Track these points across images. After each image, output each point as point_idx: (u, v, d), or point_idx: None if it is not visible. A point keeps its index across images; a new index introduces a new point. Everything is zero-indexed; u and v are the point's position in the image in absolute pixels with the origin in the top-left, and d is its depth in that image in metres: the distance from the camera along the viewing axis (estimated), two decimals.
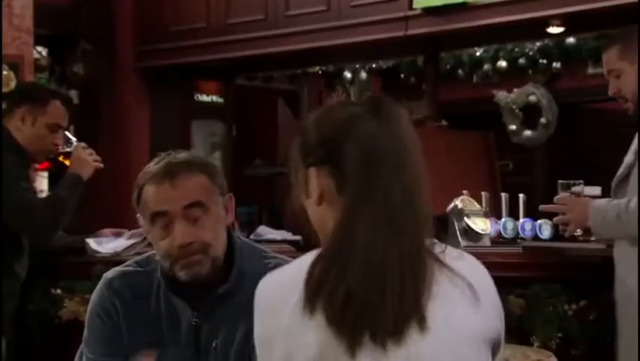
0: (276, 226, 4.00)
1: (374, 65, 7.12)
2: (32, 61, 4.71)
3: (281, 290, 1.31)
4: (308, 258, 1.32)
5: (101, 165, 3.31)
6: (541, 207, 2.88)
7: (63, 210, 3.15)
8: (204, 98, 6.37)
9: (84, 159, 3.25)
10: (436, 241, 1.34)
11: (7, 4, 4.58)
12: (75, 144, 3.31)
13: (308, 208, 1.40)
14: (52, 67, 5.50)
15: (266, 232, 3.78)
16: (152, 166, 1.81)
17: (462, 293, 1.29)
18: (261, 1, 5.30)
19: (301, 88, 7.50)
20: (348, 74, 7.10)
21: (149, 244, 3.57)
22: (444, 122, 5.55)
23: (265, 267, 1.69)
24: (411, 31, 4.71)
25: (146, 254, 1.90)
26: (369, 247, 1.27)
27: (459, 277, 1.30)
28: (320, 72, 7.15)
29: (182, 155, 1.84)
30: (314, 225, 1.40)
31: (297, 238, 4.04)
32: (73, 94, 5.31)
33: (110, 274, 1.88)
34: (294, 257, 1.94)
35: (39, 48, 5.20)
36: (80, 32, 5.58)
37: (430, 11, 4.64)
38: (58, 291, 3.37)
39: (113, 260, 3.16)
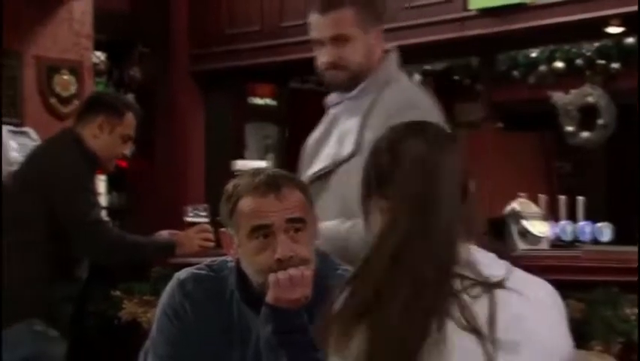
0: None
1: (427, 67, 7.07)
2: (91, 66, 4.79)
3: None
4: None
5: (207, 245, 3.25)
6: None
7: (134, 255, 3.19)
8: (258, 101, 6.41)
9: (192, 240, 3.23)
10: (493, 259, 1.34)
11: (67, 10, 4.67)
12: (204, 220, 3.29)
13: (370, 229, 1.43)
14: (110, 71, 5.59)
15: None
16: (248, 179, 1.78)
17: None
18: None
19: None
20: None
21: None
22: (499, 124, 5.50)
23: (340, 280, 1.67)
24: (466, 33, 4.67)
25: (219, 259, 1.88)
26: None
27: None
28: None
29: (269, 169, 1.88)
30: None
31: None
32: (130, 97, 5.39)
33: (182, 275, 1.87)
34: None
35: (97, 53, 5.29)
36: (138, 36, 5.65)
37: (486, 12, 4.60)
38: (117, 292, 3.41)
39: (170, 263, 3.19)
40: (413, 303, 1.26)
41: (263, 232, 1.74)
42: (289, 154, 6.44)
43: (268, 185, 1.75)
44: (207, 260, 1.92)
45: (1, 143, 3.92)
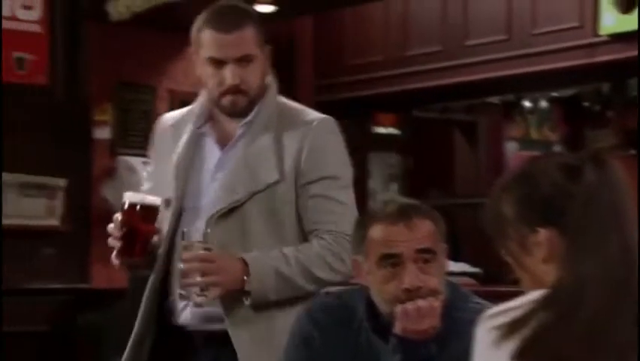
0: (454, 257, 3.95)
1: (556, 94, 6.92)
2: None
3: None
4: (526, 298, 1.27)
5: None
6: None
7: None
8: (381, 130, 6.42)
9: None
10: None
11: None
12: None
13: (522, 261, 1.34)
14: None
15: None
16: (379, 207, 1.80)
17: None
18: (438, 33, 5.30)
19: (479, 118, 7.40)
20: (527, 103, 6.94)
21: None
22: (632, 151, 5.31)
23: (471, 312, 1.63)
24: (597, 59, 4.56)
25: (349, 288, 1.89)
26: (596, 314, 1.20)
27: None
28: (498, 102, 7.03)
29: (401, 199, 1.84)
30: (527, 277, 1.34)
31: (476, 270, 3.97)
32: None
33: (311, 304, 1.89)
34: (476, 291, 1.91)
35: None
36: None
37: (616, 37, 4.48)
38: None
39: None
40: None
41: (391, 260, 1.73)
42: (412, 182, 6.42)
43: (399, 214, 1.74)
44: (335, 289, 1.93)
45: None
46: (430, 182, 6.75)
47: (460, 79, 5.20)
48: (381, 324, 1.77)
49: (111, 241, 2.02)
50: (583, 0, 4.66)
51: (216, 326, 2.01)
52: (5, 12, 4.12)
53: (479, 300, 1.81)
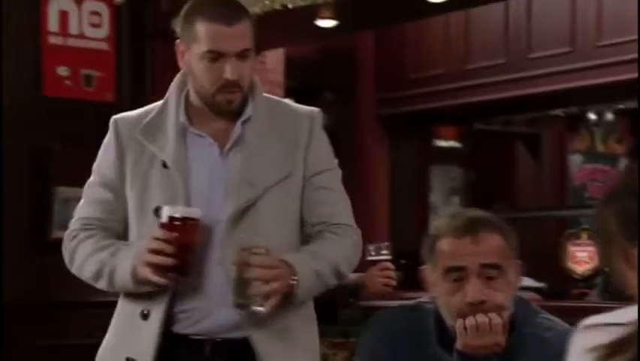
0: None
1: (621, 106, 6.79)
2: None
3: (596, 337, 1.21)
4: (623, 312, 1.24)
5: (389, 289, 3.18)
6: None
7: (324, 298, 3.21)
8: (442, 143, 6.39)
9: (374, 278, 3.18)
10: None
11: (260, 61, 4.89)
12: (385, 258, 3.25)
13: (624, 273, 1.30)
14: None
15: None
16: (448, 219, 1.79)
17: None
18: (501, 45, 5.26)
19: (542, 131, 7.31)
20: (592, 116, 6.83)
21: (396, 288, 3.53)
22: None
23: (540, 327, 1.62)
24: None
25: (416, 300, 1.89)
26: None
27: None
28: (562, 114, 6.94)
29: (478, 212, 1.81)
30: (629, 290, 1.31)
31: (541, 284, 3.92)
32: None
33: (379, 316, 1.89)
34: (543, 306, 1.89)
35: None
36: (324, 83, 5.82)
37: None
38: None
39: (358, 306, 3.22)
40: None
41: (456, 274, 1.73)
42: (474, 196, 6.36)
43: (466, 227, 1.74)
44: (401, 302, 1.94)
45: None
46: (493, 195, 6.68)
47: (523, 92, 5.15)
48: (448, 337, 1.77)
49: (161, 259, 1.87)
50: None
51: (233, 334, 1.93)
52: (73, 30, 4.23)
53: (549, 316, 1.79)
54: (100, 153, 2.08)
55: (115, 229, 2.02)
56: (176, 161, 1.95)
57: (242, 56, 1.93)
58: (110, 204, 2.01)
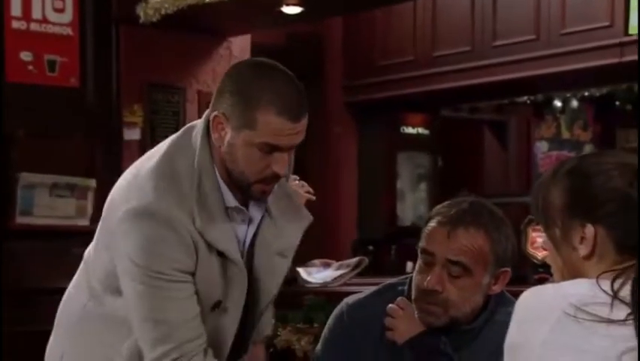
0: None
1: (586, 93, 6.86)
2: None
3: (544, 304, 1.27)
4: (568, 284, 1.29)
5: (313, 197, 3.32)
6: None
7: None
8: (410, 130, 6.42)
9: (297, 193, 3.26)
10: None
11: (226, 47, 4.87)
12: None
13: (563, 256, 1.35)
14: None
15: None
16: (448, 204, 1.80)
17: None
18: (467, 33, 5.28)
19: (508, 118, 7.36)
20: (558, 103, 6.89)
21: (358, 275, 3.59)
22: None
23: (510, 316, 1.65)
24: (626, 58, 4.52)
25: (387, 282, 1.91)
26: None
27: None
28: (528, 101, 6.99)
29: (483, 208, 1.79)
30: (562, 272, 1.35)
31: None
32: None
33: (349, 300, 1.90)
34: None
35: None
36: (291, 69, 5.80)
37: None
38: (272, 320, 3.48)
39: (323, 290, 3.23)
40: None
41: (425, 257, 1.76)
42: (442, 182, 6.40)
43: (451, 219, 1.75)
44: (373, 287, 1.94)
45: None
46: (459, 182, 6.72)
47: (489, 79, 5.18)
48: None
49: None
50: None
51: None
52: (36, 15, 4.18)
53: None
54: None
55: None
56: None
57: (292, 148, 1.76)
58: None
